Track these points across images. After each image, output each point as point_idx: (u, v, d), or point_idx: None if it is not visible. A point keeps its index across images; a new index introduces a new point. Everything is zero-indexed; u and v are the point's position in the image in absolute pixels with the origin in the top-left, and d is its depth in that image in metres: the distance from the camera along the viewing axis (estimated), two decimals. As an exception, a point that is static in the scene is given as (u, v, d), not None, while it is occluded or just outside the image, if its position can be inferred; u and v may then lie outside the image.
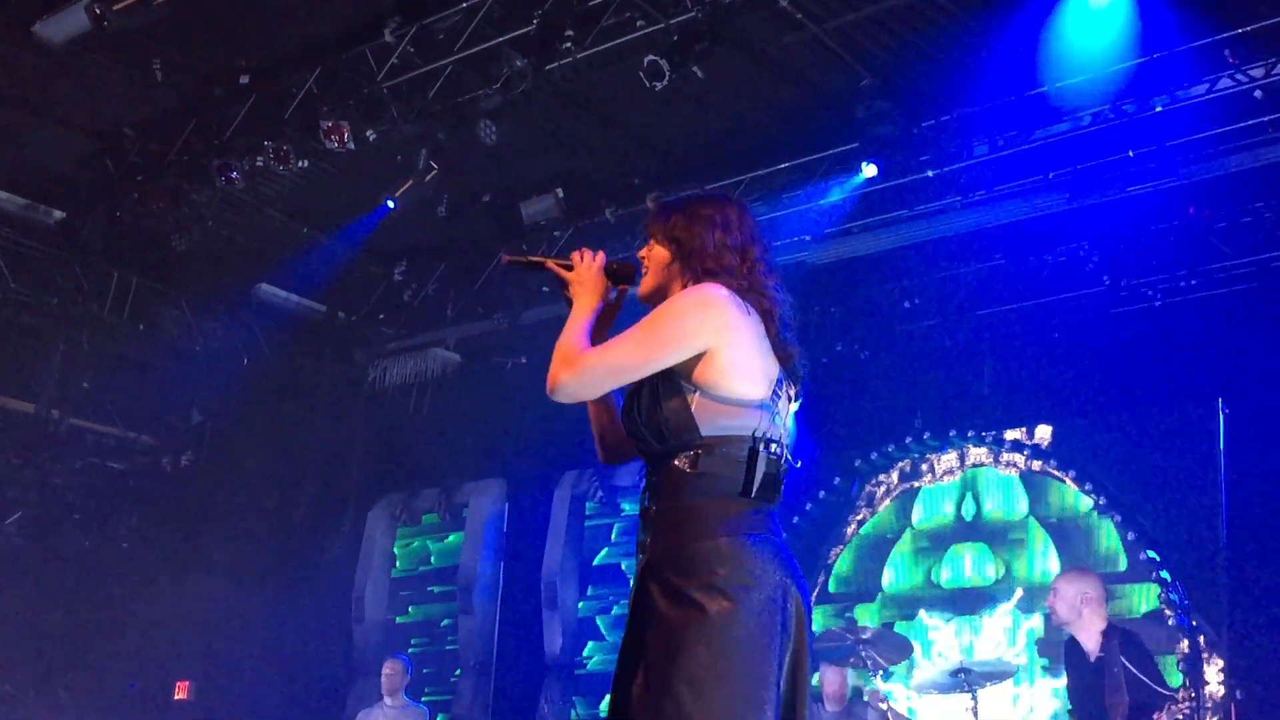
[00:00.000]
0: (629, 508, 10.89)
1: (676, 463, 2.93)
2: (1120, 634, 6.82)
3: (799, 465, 3.15)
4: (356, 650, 11.87)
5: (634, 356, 3.04)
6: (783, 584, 2.85)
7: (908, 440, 9.67)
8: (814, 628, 8.80)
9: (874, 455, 9.87)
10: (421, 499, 12.21)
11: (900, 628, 9.29)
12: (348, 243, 10.89)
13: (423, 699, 10.32)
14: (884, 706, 7.70)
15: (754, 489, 2.93)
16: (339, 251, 11.03)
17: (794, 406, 3.36)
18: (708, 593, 2.74)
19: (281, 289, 11.90)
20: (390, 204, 9.73)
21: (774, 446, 3.05)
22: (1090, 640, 6.85)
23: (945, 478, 9.70)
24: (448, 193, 9.89)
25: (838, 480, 9.99)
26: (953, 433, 9.54)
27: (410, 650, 11.08)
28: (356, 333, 12.30)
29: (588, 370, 3.12)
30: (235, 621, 11.37)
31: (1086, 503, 9.05)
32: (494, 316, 11.24)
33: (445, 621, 11.70)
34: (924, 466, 9.77)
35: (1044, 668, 8.82)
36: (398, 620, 12.09)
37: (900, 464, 9.85)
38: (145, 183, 9.96)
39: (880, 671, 7.58)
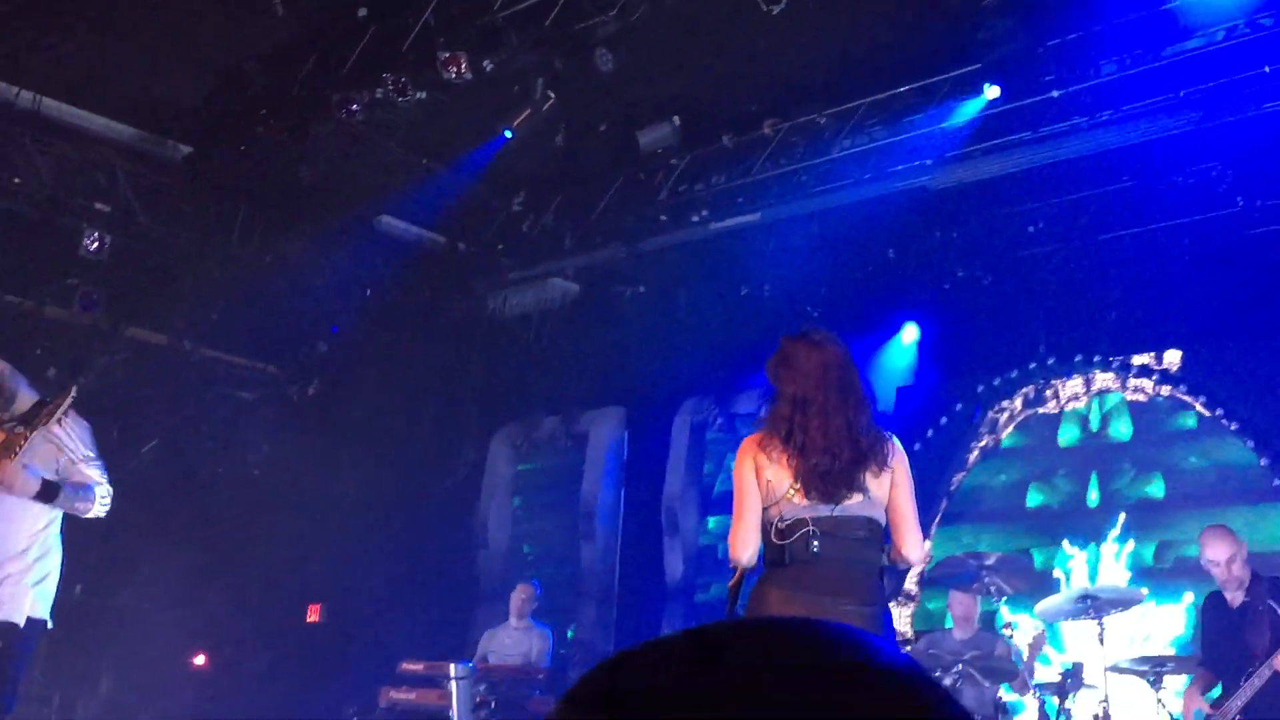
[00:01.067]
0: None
1: None
2: (1268, 581, 6.73)
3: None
4: (481, 575, 12.07)
5: None
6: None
7: (1031, 366, 9.54)
8: (935, 553, 8.79)
9: (997, 381, 9.75)
10: (542, 427, 12.33)
11: (1023, 554, 9.22)
12: (466, 174, 10.95)
13: (544, 622, 10.49)
14: (1008, 633, 7.66)
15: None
16: (458, 182, 11.09)
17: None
18: None
19: (402, 220, 12.02)
20: (508, 134, 9.76)
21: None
22: (1236, 595, 6.76)
23: (1070, 404, 9.55)
24: (565, 122, 9.89)
25: (959, 406, 9.89)
26: (1078, 358, 9.39)
27: (532, 576, 11.25)
28: (476, 263, 12.40)
29: None
30: (363, 546, 11.62)
31: (1216, 428, 8.88)
32: (612, 245, 11.26)
33: (567, 548, 11.85)
34: (1048, 392, 9.63)
35: (1159, 594, 8.71)
36: (521, 547, 12.28)
37: (1024, 390, 9.72)
38: (268, 116, 10.10)
39: (1004, 597, 7.53)
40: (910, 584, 9.60)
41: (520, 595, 10.04)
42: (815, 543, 4.22)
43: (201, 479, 12.01)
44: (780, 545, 4.29)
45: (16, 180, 10.79)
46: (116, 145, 11.01)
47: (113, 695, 11.04)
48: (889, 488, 4.34)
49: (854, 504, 4.27)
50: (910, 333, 10.18)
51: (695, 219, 10.67)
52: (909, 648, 8.58)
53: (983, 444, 9.87)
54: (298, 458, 12.35)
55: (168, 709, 11.04)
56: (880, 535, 4.33)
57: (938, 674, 7.11)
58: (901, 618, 9.45)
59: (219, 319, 12.29)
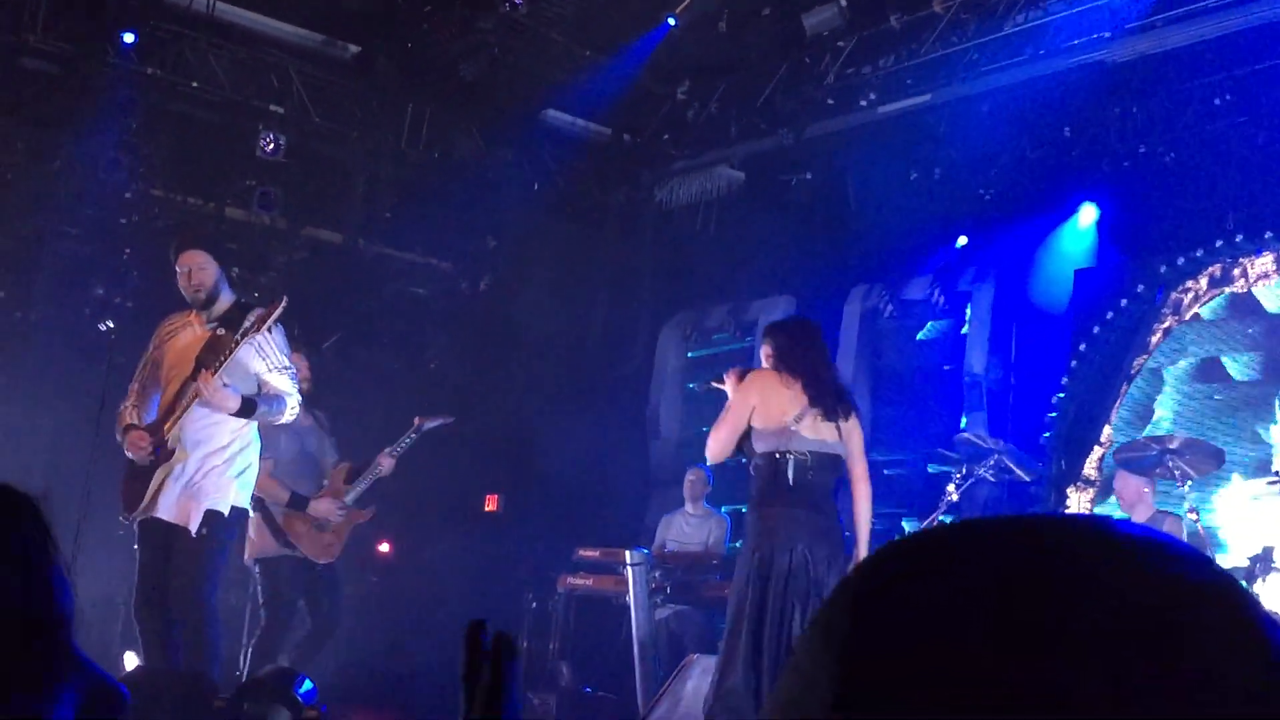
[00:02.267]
0: (917, 325, 10.77)
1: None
2: None
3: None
4: (654, 464, 12.20)
5: None
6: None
7: (1218, 244, 9.18)
8: (1116, 438, 8.60)
9: (1180, 261, 9.42)
10: (711, 316, 12.33)
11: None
12: (630, 64, 10.90)
13: (721, 509, 10.57)
14: (1193, 517, 7.49)
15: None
16: (622, 73, 11.05)
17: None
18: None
19: (567, 114, 12.04)
20: (671, 22, 9.67)
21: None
22: None
23: (1260, 282, 9.18)
24: (728, 7, 9.76)
25: (1141, 288, 9.59)
26: (1268, 234, 9.00)
27: (702, 462, 11.31)
28: (642, 154, 12.38)
29: None
30: (538, 436, 11.81)
31: None
32: (778, 132, 11.13)
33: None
34: (1235, 271, 9.27)
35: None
36: (693, 435, 12.36)
37: (1210, 269, 9.37)
38: (433, 13, 10.16)
39: (1188, 481, 7.35)
40: (1090, 469, 9.42)
41: (691, 478, 10.12)
42: (811, 472, 5.69)
43: (381, 372, 12.31)
44: (794, 468, 5.68)
45: (194, 84, 11.08)
46: (289, 47, 11.21)
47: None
48: (849, 435, 5.86)
49: (832, 441, 5.78)
50: (1088, 214, 9.88)
51: (863, 102, 10.47)
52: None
53: (1166, 325, 9.56)
54: (472, 352, 12.58)
55: (354, 595, 11.45)
56: (841, 466, 5.88)
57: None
58: (1081, 503, 9.29)
59: (391, 217, 12.51)
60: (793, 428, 5.72)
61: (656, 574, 9.10)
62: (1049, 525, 0.64)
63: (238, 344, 6.21)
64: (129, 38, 10.53)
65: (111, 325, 9.46)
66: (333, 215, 12.44)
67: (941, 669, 0.58)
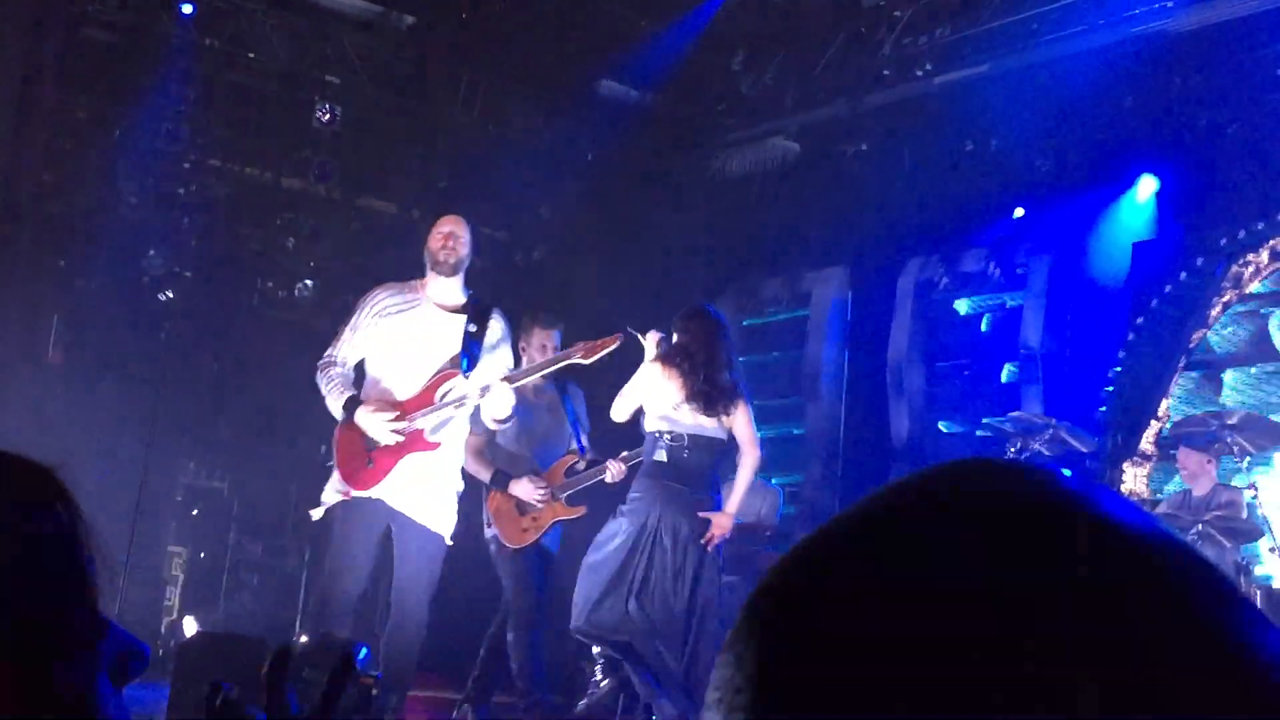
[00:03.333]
0: (966, 300, 10.70)
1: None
2: None
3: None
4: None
5: None
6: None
7: None
8: (1174, 412, 8.52)
9: (1241, 234, 9.29)
10: (765, 288, 12.30)
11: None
12: (685, 34, 10.87)
13: (772, 481, 10.57)
14: (1251, 494, 7.42)
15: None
16: (677, 44, 11.02)
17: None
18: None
19: (622, 84, 12.02)
20: (726, -8, 9.63)
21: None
22: None
23: (1322, 256, 9.06)
24: (784, -23, 9.72)
25: (1200, 261, 9.47)
26: (1331, 207, 8.87)
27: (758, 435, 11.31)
28: (697, 125, 12.35)
29: None
30: (593, 405, 11.83)
31: None
32: (833, 103, 11.07)
33: (791, 407, 11.87)
34: (1298, 244, 9.14)
35: None
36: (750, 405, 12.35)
37: (1271, 241, 9.23)
38: (488, -16, 10.19)
39: (1246, 458, 7.28)
40: (1146, 443, 9.33)
41: (743, 452, 10.13)
42: (686, 451, 6.43)
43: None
44: (666, 448, 6.43)
45: (251, 55, 11.16)
46: (345, 18, 11.27)
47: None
48: (734, 422, 6.56)
49: (711, 427, 6.48)
50: (1147, 186, 9.76)
51: (919, 73, 10.39)
52: (1146, 508, 8.38)
53: (1225, 299, 9.44)
54: (524, 322, 12.59)
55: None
56: (719, 449, 6.60)
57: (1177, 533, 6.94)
58: (1137, 477, 9.22)
59: (445, 187, 12.55)
60: (672, 415, 6.47)
61: (708, 546, 9.12)
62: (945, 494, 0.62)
63: (549, 366, 6.43)
64: (187, 9, 10.62)
65: (170, 295, 9.55)
66: (387, 186, 12.50)
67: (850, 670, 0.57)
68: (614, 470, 7.44)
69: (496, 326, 6.50)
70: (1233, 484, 7.71)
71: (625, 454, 7.42)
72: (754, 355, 12.43)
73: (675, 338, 6.72)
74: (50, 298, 10.82)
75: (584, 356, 6.34)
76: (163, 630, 10.33)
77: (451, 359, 6.26)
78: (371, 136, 12.01)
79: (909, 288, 11.01)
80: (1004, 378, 10.33)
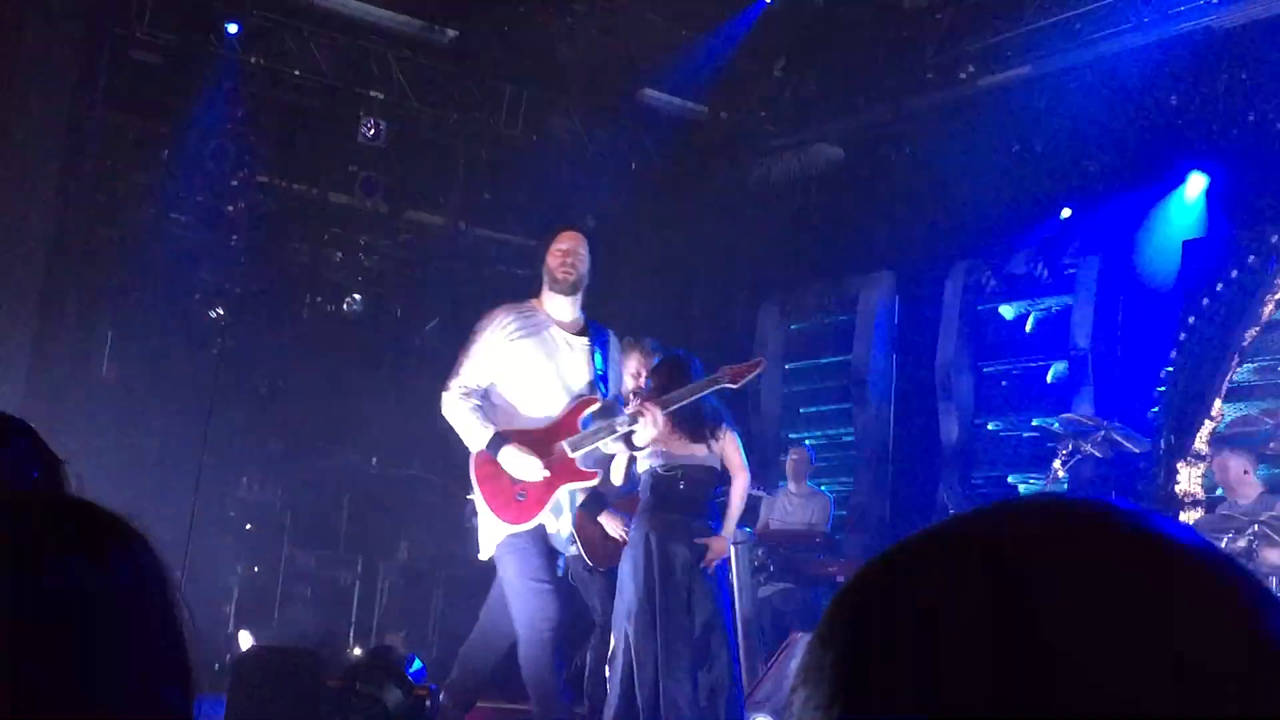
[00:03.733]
0: (1013, 305, 10.64)
1: None
2: None
3: None
4: (754, 441, 12.19)
5: None
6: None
7: (1332, 213, 8.95)
8: (1228, 413, 8.43)
9: (1295, 230, 9.19)
10: (811, 293, 12.28)
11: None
12: (727, 42, 10.88)
13: (823, 487, 10.55)
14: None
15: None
16: (719, 51, 11.03)
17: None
18: None
19: (664, 93, 12.04)
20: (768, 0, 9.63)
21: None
22: None
23: (1375, 252, 8.94)
24: (825, -18, 9.71)
25: (1252, 259, 9.37)
26: (1384, 203, 8.77)
27: (805, 441, 11.29)
28: (739, 132, 12.35)
29: None
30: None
31: None
32: (876, 108, 11.04)
33: (838, 413, 11.84)
34: (1351, 240, 9.03)
35: None
36: (793, 413, 12.34)
37: (1324, 239, 9.14)
38: (530, -4, 10.23)
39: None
40: (1200, 443, 9.24)
41: (794, 457, 10.12)
42: (682, 482, 6.46)
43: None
44: (663, 480, 6.45)
45: (297, 72, 11.26)
46: (388, 33, 11.35)
47: (409, 562, 11.64)
48: (723, 449, 6.61)
49: (702, 455, 6.51)
50: (1196, 183, 9.67)
51: (963, 75, 10.35)
52: (1199, 510, 8.32)
53: (1277, 297, 9.34)
54: (572, 331, 12.64)
55: (458, 571, 11.60)
56: (715, 477, 6.63)
57: (1232, 535, 6.88)
58: (1191, 478, 9.13)
59: (491, 199, 12.62)
60: (663, 448, 6.46)
61: (760, 552, 9.11)
62: (1032, 517, 0.65)
63: (700, 391, 6.23)
64: (232, 28, 10.73)
65: (221, 312, 9.64)
66: (433, 199, 12.59)
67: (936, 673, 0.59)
68: (652, 416, 6.13)
69: (615, 347, 6.42)
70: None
71: (666, 397, 6.30)
72: (801, 361, 12.42)
73: (650, 384, 6.73)
74: (103, 315, 10.96)
75: (732, 381, 6.25)
76: (221, 644, 10.43)
77: (589, 383, 6.09)
78: (417, 150, 12.09)
79: (956, 291, 10.96)
80: (1049, 378, 10.26)
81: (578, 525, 6.99)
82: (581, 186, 12.29)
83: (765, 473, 11.40)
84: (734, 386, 6.33)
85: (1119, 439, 7.62)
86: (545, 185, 12.27)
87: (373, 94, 11.54)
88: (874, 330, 11.59)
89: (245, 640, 10.01)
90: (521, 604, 5.80)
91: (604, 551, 7.13)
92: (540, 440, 5.91)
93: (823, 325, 12.27)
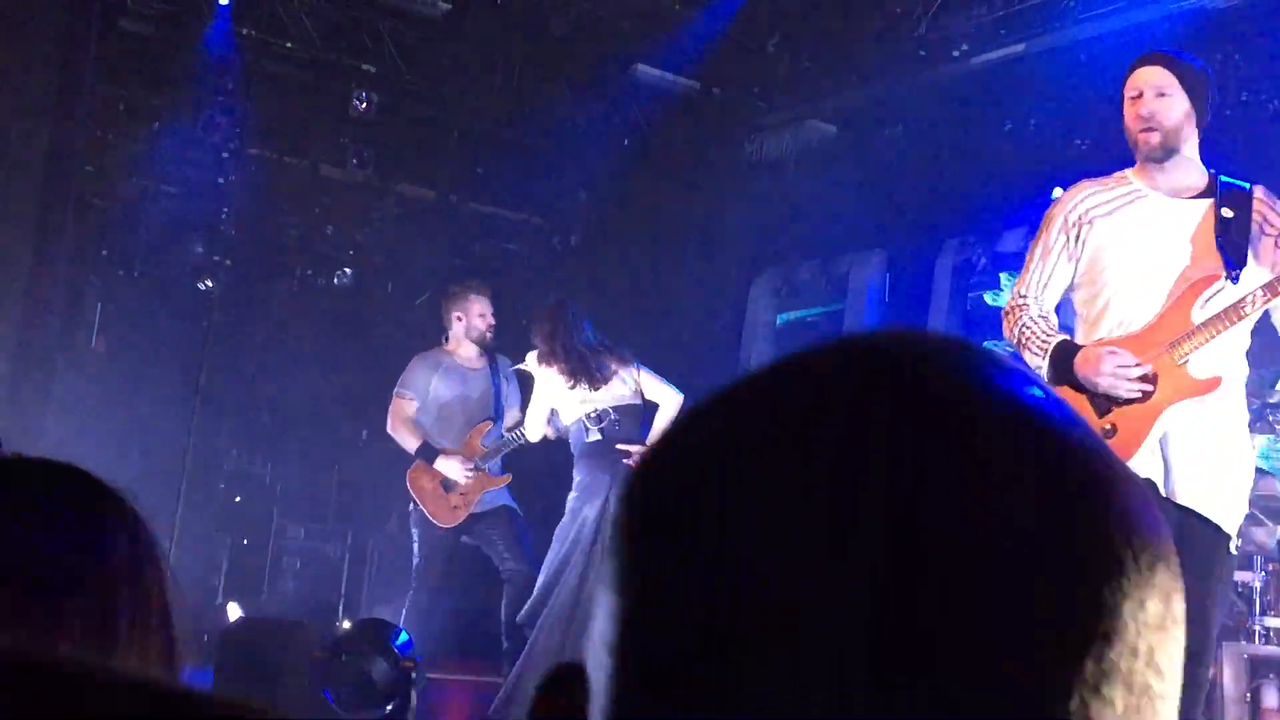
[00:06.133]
0: (1009, 278, 10.63)
1: None
2: None
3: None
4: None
5: None
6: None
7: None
8: None
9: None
10: (802, 271, 12.28)
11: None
12: (720, 17, 10.84)
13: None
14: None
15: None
16: (712, 27, 10.99)
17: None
18: None
19: (656, 68, 12.00)
20: (761, -26, 9.59)
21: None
22: None
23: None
24: (819, -42, 9.67)
25: (1241, 240, 9.39)
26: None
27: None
28: (732, 108, 12.32)
29: None
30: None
31: None
32: (869, 85, 11.01)
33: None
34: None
35: None
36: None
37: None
38: (523, -31, 10.19)
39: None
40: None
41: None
42: (617, 424, 6.74)
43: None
44: (595, 427, 6.72)
45: (289, 44, 11.20)
46: (380, 5, 11.29)
47: (399, 536, 11.65)
48: (639, 381, 7.01)
49: (621, 393, 6.90)
50: (1187, 164, 9.67)
51: (955, 54, 10.32)
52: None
53: (1269, 277, 9.32)
54: (563, 307, 12.63)
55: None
56: (641, 413, 6.95)
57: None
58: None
59: (483, 173, 12.59)
60: (587, 397, 6.74)
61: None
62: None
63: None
64: (224, -1, 10.68)
65: (210, 284, 9.62)
66: (425, 172, 12.55)
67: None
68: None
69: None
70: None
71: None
72: (790, 340, 12.42)
73: (537, 342, 7.17)
74: (92, 287, 10.93)
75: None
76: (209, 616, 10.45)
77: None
78: (408, 123, 12.05)
79: (946, 269, 10.97)
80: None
81: (415, 483, 7.25)
82: (573, 161, 12.26)
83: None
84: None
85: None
86: (537, 160, 12.24)
87: (365, 67, 11.49)
88: (865, 308, 11.59)
89: (234, 612, 10.03)
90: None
91: (445, 505, 7.33)
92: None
93: (813, 303, 12.28)
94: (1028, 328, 4.57)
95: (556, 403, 7.06)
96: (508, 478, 7.73)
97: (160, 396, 10.33)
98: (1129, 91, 4.75)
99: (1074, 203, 4.81)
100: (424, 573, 7.66)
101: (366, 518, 11.58)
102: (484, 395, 7.75)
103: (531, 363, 7.21)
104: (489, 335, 7.76)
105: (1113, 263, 4.52)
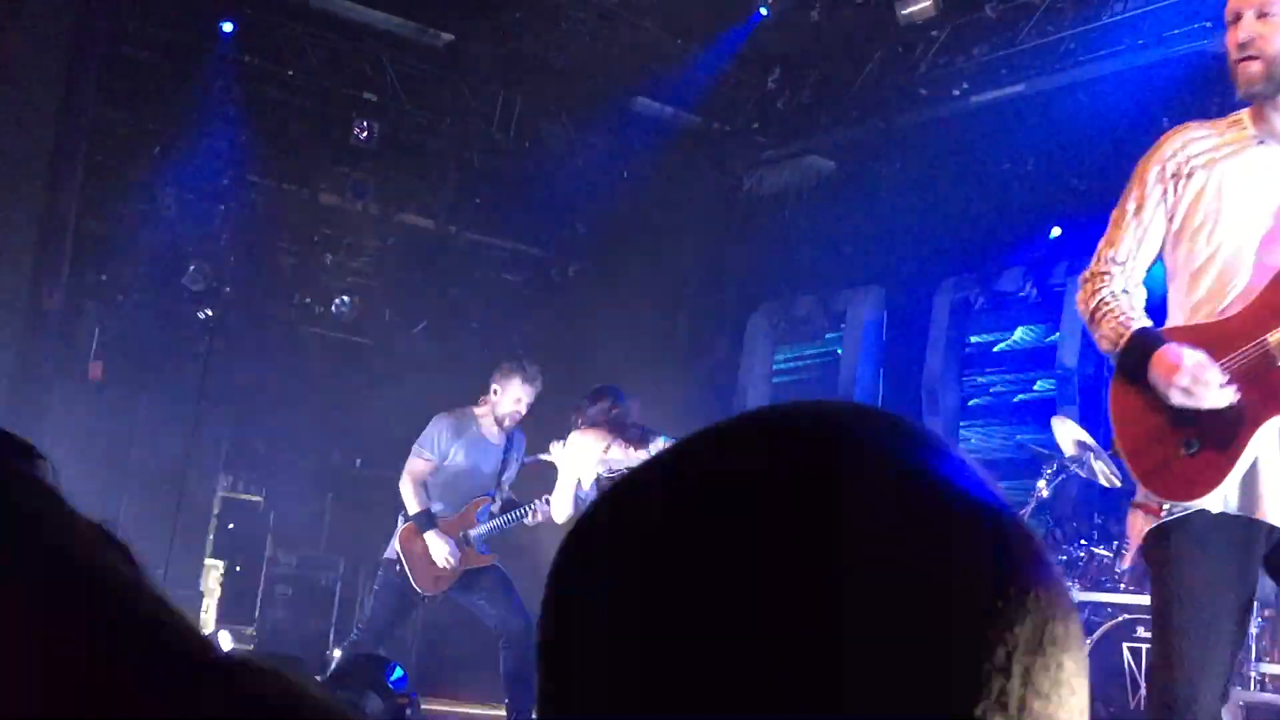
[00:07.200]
0: (1009, 317, 10.67)
1: None
2: None
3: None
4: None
5: None
6: None
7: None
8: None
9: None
10: (799, 306, 12.30)
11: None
12: (721, 53, 10.89)
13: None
14: None
15: None
16: (712, 62, 11.04)
17: None
18: None
19: (657, 102, 12.04)
20: (763, 11, 9.64)
21: None
22: None
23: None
24: (821, -4, 9.72)
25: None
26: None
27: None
28: (731, 143, 12.36)
29: None
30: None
31: None
32: (869, 122, 11.05)
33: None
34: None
35: None
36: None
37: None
38: (525, 1, 10.22)
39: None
40: None
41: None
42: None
43: (468, 359, 12.42)
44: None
45: (290, 73, 11.24)
46: (382, 35, 11.33)
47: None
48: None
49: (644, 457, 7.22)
50: (1185, 206, 9.70)
51: (956, 92, 10.36)
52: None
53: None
54: (561, 337, 12.64)
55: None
56: None
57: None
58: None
59: (481, 203, 12.61)
60: (607, 458, 6.83)
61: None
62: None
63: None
64: (227, 27, 10.71)
65: (210, 313, 9.61)
66: (425, 202, 12.57)
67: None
68: (537, 511, 7.44)
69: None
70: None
71: (548, 496, 7.31)
72: (787, 373, 12.43)
73: (592, 412, 7.31)
74: (90, 312, 10.92)
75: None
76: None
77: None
78: (409, 153, 12.08)
79: (944, 306, 10.98)
80: (1035, 388, 10.30)
81: (406, 544, 7.18)
82: (573, 193, 12.29)
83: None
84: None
85: (1097, 468, 7.42)
86: (536, 191, 12.26)
87: (366, 96, 11.53)
88: (862, 344, 11.61)
89: (226, 640, 9.98)
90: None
91: (429, 574, 7.26)
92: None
93: (811, 339, 12.29)
94: (1106, 303, 3.79)
95: (584, 470, 6.99)
96: (493, 557, 7.57)
97: (156, 422, 10.32)
98: (1227, 16, 3.72)
99: (1174, 148, 3.83)
100: (376, 622, 7.58)
101: (359, 546, 11.54)
102: (494, 470, 7.74)
103: (556, 449, 7.22)
104: (510, 424, 7.68)
105: (1213, 224, 3.65)
